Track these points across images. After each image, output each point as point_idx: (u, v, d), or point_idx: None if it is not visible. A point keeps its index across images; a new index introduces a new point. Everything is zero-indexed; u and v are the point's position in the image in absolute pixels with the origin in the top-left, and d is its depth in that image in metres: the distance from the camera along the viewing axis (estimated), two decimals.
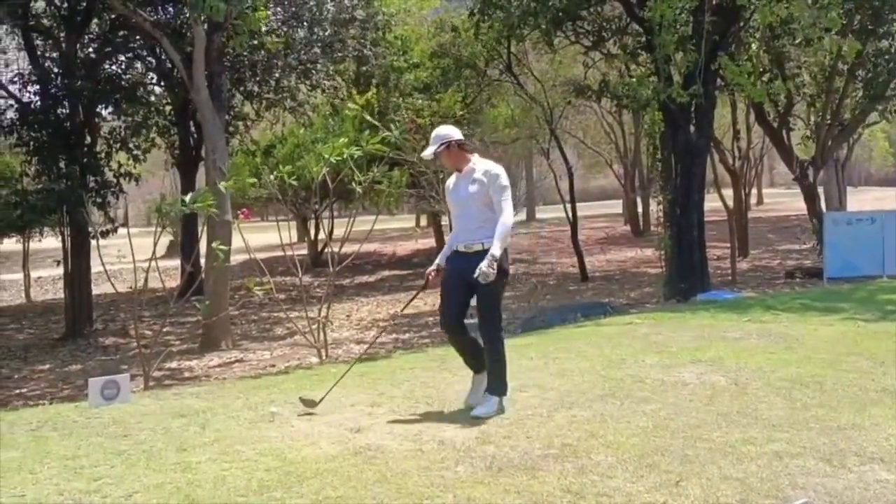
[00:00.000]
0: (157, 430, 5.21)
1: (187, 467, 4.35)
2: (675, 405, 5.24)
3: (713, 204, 20.01)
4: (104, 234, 16.88)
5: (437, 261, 5.52)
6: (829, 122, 18.48)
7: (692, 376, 6.05)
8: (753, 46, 16.33)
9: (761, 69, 17.27)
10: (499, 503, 3.73)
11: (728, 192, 21.97)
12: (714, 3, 12.86)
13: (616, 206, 44.24)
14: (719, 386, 5.74)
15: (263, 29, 15.09)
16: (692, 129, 13.95)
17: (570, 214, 20.58)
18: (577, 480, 3.93)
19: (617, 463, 4.15)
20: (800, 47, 17.32)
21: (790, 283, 15.95)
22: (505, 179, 5.30)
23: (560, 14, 15.39)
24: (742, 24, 14.49)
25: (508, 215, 5.19)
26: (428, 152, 5.50)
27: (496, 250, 5.05)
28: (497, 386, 5.29)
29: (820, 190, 19.97)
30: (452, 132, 5.45)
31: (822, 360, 6.48)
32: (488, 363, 5.31)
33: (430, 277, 5.54)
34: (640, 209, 33.02)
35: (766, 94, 13.43)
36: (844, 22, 13.83)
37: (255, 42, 16.04)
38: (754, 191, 39.43)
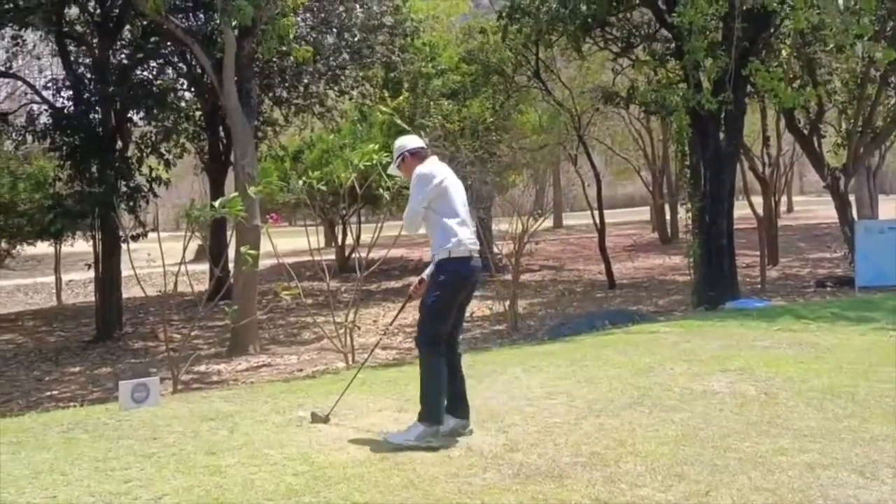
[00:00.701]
0: (186, 433, 5.24)
1: (216, 470, 4.38)
2: (705, 414, 5.20)
3: (742, 211, 19.86)
4: (135, 238, 17.08)
5: (426, 271, 5.08)
6: (860, 129, 18.24)
7: (721, 385, 6.00)
8: (784, 53, 16.16)
9: (792, 75, 17.09)
10: None
11: (758, 200, 21.79)
12: (745, 8, 12.76)
13: (644, 214, 44.01)
14: (749, 395, 5.68)
15: (292, 35, 15.18)
16: (721, 135, 13.85)
17: (598, 221, 20.49)
18: (605, 489, 3.91)
19: (646, 472, 4.12)
20: (831, 54, 17.12)
21: (821, 291, 15.75)
22: (417, 180, 4.77)
23: (588, 20, 15.31)
24: (773, 30, 14.36)
25: (405, 213, 4.81)
26: (392, 170, 5.18)
27: None
28: (424, 412, 4.75)
29: (851, 198, 19.72)
30: (406, 142, 5.04)
31: (854, 371, 6.40)
32: (420, 383, 4.85)
33: (416, 288, 5.16)
34: (668, 216, 32.80)
35: (798, 99, 13.28)
36: (877, 28, 13.65)
37: (284, 48, 16.17)
38: (784, 198, 38.93)
